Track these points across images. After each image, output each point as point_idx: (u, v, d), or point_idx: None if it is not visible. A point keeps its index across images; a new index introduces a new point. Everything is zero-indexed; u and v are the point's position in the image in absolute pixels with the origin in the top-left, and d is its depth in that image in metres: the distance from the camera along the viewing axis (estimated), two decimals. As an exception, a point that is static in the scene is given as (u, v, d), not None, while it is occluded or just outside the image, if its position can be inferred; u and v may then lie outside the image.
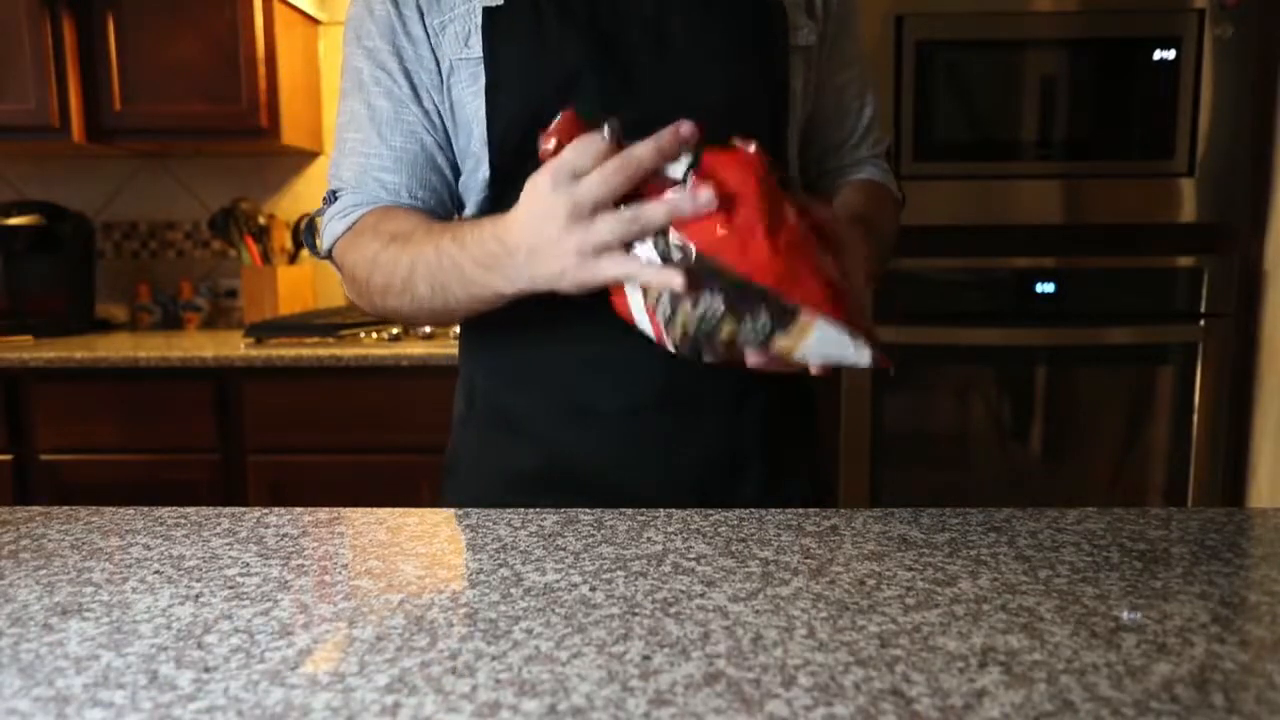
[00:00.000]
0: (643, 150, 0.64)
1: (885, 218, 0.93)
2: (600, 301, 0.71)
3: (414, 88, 0.86)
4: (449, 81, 0.85)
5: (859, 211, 0.87)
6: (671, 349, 0.69)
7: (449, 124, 0.87)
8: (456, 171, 0.90)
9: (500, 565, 0.64)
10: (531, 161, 0.81)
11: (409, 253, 0.79)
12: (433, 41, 0.84)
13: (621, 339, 0.73)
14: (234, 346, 2.07)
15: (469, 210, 0.89)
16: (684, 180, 0.65)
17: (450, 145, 0.88)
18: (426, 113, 0.86)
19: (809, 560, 0.65)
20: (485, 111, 0.82)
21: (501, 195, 0.85)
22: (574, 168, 0.65)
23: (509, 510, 0.77)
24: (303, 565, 0.65)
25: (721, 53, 0.83)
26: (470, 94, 0.83)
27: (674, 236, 0.64)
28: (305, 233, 0.91)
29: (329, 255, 0.90)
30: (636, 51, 0.81)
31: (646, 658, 0.50)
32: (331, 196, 0.89)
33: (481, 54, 0.81)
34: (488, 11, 0.81)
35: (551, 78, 0.81)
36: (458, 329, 2.10)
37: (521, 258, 0.70)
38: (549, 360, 0.87)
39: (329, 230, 0.89)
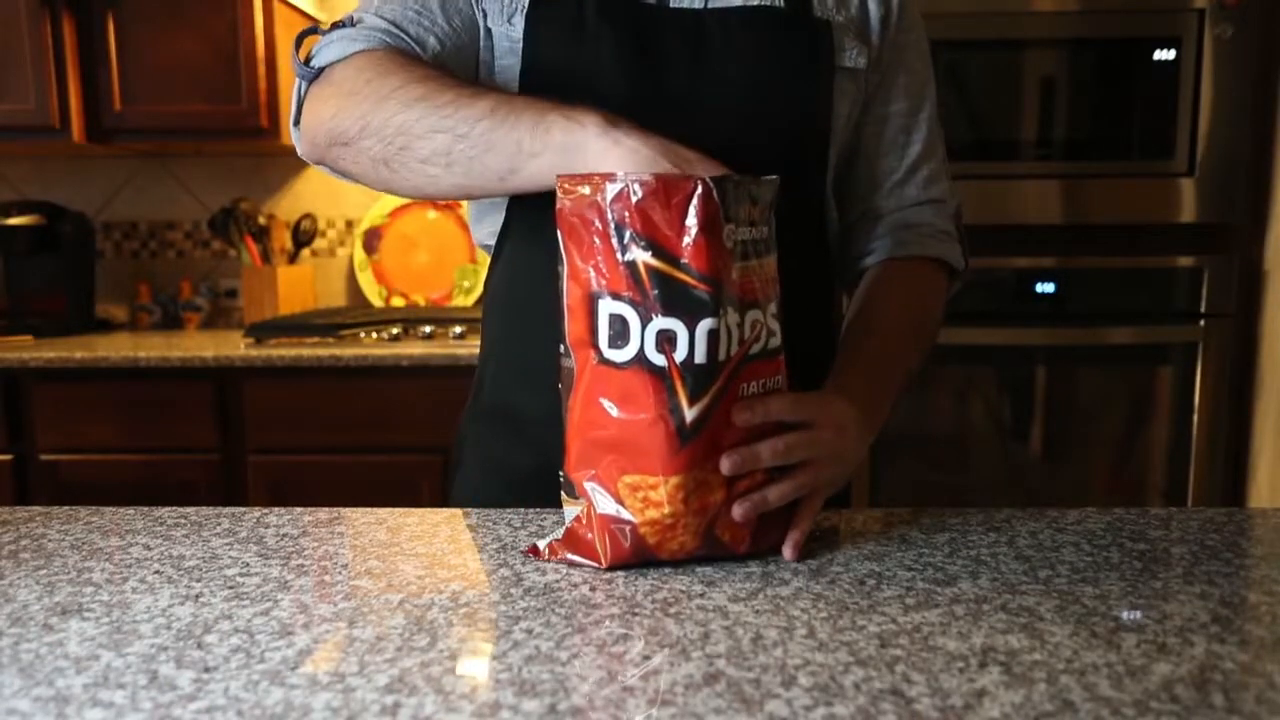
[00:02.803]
0: None
1: (913, 350, 0.89)
2: None
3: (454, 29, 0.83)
4: (490, 44, 0.84)
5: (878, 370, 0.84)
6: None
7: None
8: None
9: (500, 565, 0.64)
10: None
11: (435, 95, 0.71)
12: (480, 7, 0.83)
13: None
14: (234, 346, 2.07)
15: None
16: None
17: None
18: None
19: (809, 560, 0.65)
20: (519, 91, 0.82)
21: None
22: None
23: (509, 510, 0.78)
24: (303, 565, 0.65)
25: (757, 67, 0.82)
26: (506, 65, 0.84)
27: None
28: (294, 50, 0.78)
29: (318, 76, 0.79)
30: (670, 58, 0.81)
31: (646, 658, 0.50)
32: (350, 20, 0.80)
33: (521, 36, 0.82)
34: None
35: (582, 73, 0.81)
36: (458, 329, 2.10)
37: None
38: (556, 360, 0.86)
39: (333, 48, 0.78)
